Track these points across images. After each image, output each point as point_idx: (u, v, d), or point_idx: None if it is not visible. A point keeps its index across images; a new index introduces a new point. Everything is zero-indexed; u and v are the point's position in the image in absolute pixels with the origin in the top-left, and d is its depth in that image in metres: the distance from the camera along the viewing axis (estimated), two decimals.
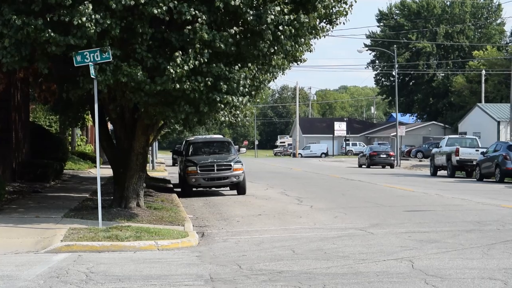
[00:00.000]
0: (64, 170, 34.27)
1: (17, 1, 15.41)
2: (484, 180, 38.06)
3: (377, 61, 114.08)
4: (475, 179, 39.04)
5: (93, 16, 15.02)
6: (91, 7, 14.92)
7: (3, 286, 10.48)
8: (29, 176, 28.23)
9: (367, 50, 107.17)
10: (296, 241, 15.26)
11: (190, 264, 12.53)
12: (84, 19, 14.86)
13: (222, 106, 17.05)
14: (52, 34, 15.05)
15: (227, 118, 24.59)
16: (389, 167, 60.16)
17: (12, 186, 25.10)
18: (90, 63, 15.64)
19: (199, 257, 13.31)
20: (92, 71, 15.72)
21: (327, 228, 17.58)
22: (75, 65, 15.89)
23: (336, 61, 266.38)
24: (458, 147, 42.86)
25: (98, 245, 14.14)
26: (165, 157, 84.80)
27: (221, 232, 17.29)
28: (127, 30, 16.04)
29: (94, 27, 15.07)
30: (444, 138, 49.48)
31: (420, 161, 75.90)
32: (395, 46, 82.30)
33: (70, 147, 45.35)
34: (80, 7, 14.79)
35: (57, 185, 29.09)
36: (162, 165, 62.23)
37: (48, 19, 15.11)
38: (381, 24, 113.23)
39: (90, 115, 27.21)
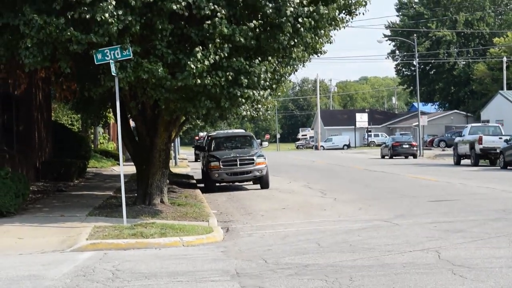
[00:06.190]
0: (87, 168, 34.37)
1: (38, 0, 15.42)
2: (508, 168, 37.76)
3: (397, 51, 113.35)
4: (499, 167, 38.75)
5: (114, 13, 15.01)
6: (113, 3, 14.91)
7: (30, 285, 10.52)
8: (53, 175, 28.33)
9: (387, 41, 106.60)
10: (321, 234, 15.21)
11: (216, 259, 12.52)
12: (107, 15, 14.85)
13: (243, 100, 16.99)
14: (74, 32, 15.05)
15: (248, 112, 24.57)
16: (412, 157, 59.79)
17: (36, 186, 25.22)
18: (110, 60, 15.64)
19: (224, 253, 13.29)
20: (112, 68, 15.72)
21: (351, 220, 17.52)
22: (96, 63, 15.90)
23: (356, 52, 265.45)
24: (481, 135, 42.49)
25: (123, 243, 14.15)
26: (187, 152, 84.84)
27: (246, 226, 17.28)
28: (146, 27, 16.04)
29: (116, 24, 15.07)
30: (466, 126, 49.12)
31: (443, 150, 75.48)
32: (415, 35, 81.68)
33: (92, 145, 45.57)
34: (101, 3, 14.78)
35: (81, 183, 29.19)
36: (184, 161, 62.28)
37: (69, 16, 15.10)
38: (400, 13, 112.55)
39: (111, 113, 27.29)
